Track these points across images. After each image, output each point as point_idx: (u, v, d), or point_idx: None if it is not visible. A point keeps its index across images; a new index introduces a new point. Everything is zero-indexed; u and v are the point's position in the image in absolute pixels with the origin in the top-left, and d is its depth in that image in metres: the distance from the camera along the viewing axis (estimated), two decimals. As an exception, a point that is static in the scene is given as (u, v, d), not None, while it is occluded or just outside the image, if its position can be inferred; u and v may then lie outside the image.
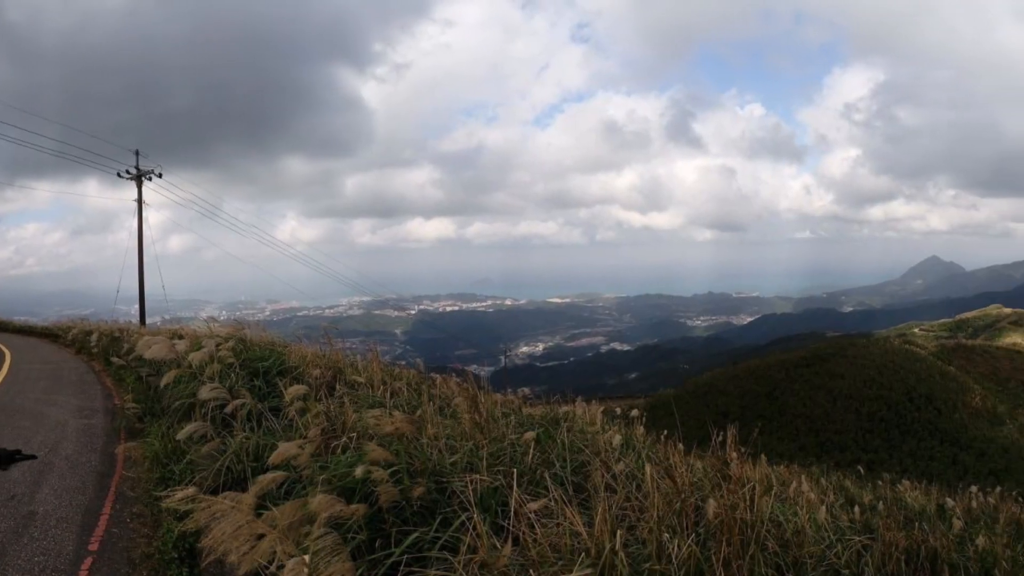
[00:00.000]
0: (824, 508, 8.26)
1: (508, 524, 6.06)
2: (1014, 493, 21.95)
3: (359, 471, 6.51)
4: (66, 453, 12.59)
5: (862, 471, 24.77)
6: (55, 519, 9.24)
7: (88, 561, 7.95)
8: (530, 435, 8.07)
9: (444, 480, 6.95)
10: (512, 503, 6.09)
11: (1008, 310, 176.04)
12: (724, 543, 5.80)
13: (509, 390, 12.15)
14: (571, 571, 5.25)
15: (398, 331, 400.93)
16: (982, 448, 53.73)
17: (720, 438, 7.53)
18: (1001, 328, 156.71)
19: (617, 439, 9.16)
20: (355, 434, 8.12)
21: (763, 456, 10.62)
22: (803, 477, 15.09)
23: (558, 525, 5.92)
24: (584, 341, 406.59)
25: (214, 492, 7.24)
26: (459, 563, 5.42)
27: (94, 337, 30.40)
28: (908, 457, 51.76)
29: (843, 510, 10.93)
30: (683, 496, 6.40)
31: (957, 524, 11.19)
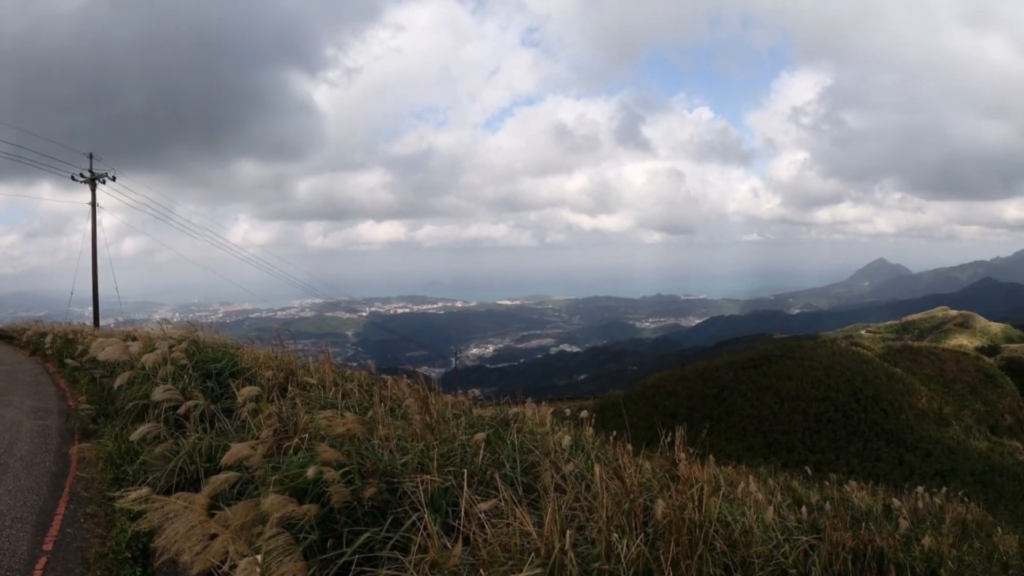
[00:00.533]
0: (772, 508, 8.33)
1: (458, 524, 6.07)
2: (960, 494, 22.19)
3: (311, 472, 6.55)
4: (20, 454, 12.52)
5: (809, 472, 24.94)
6: (10, 519, 9.21)
7: (43, 561, 7.94)
8: (480, 436, 8.11)
9: (395, 481, 6.97)
10: (462, 503, 6.12)
11: (954, 312, 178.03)
12: (672, 543, 5.87)
13: (459, 391, 12.22)
14: (521, 571, 5.30)
15: (349, 333, 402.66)
16: (928, 449, 54.17)
17: (668, 439, 7.59)
18: (947, 330, 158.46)
19: (566, 440, 9.21)
20: (307, 435, 8.13)
21: (711, 457, 10.69)
22: (751, 477, 15.19)
23: (508, 525, 5.96)
24: (534, 343, 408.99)
25: (167, 492, 7.27)
26: (410, 563, 5.46)
27: (48, 339, 30.23)
28: (855, 458, 52.09)
29: (790, 510, 11.00)
30: (632, 496, 6.45)
31: (903, 524, 11.30)
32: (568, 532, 5.54)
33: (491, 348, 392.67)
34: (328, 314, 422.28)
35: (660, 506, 6.11)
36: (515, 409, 11.16)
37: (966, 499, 21.00)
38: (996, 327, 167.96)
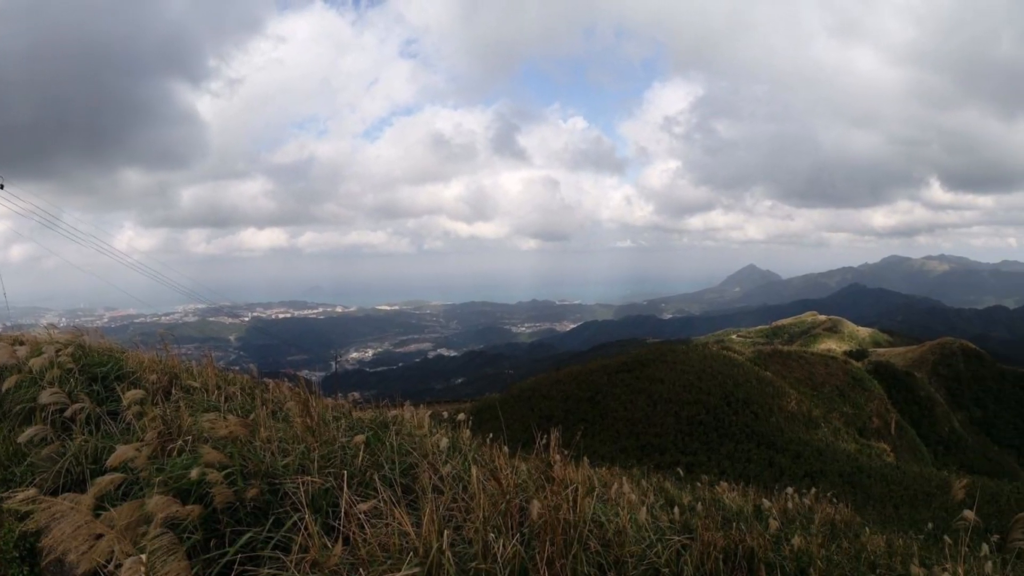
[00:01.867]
0: (645, 509, 8.40)
1: (339, 524, 6.15)
2: (829, 494, 22.51)
3: (194, 473, 6.56)
4: (-93, 458, 12.31)
5: (681, 473, 25.14)
6: None
7: (-69, 560, 7.87)
8: (360, 438, 8.16)
9: (277, 482, 6.99)
10: (343, 504, 6.20)
11: (822, 317, 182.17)
12: (548, 543, 6.00)
13: (339, 395, 12.20)
14: (399, 570, 5.39)
15: (232, 337, 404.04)
16: (798, 451, 54.98)
17: (544, 441, 7.75)
18: (816, 334, 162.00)
19: (444, 442, 9.28)
20: (191, 437, 8.10)
21: (585, 458, 10.84)
22: (624, 479, 15.33)
23: (387, 525, 6.04)
24: (412, 347, 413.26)
25: (54, 493, 7.24)
26: (291, 562, 5.54)
27: (-63, 344, 29.50)
28: (726, 459, 52.64)
29: (663, 511, 11.08)
30: (508, 497, 6.55)
31: (773, 524, 11.40)
32: (446, 532, 5.67)
33: (370, 352, 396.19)
34: (211, 319, 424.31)
35: (535, 507, 6.22)
36: (394, 412, 11.20)
37: (835, 500, 21.35)
38: (864, 332, 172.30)
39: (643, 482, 19.33)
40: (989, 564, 9.40)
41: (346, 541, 5.93)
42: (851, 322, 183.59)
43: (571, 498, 6.50)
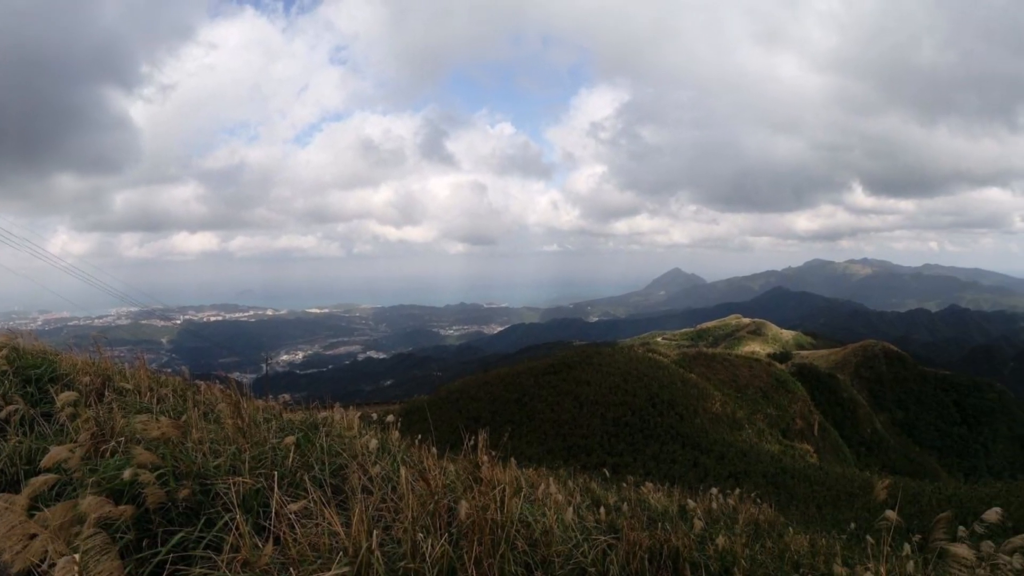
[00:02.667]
0: (571, 509, 8.45)
1: (270, 524, 6.22)
2: (753, 495, 22.67)
3: (127, 474, 6.57)
4: None
5: (607, 474, 25.21)
6: None
7: None
8: (290, 439, 8.20)
9: (208, 482, 7.01)
10: (273, 504, 6.26)
11: (746, 320, 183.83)
12: (476, 542, 6.09)
13: (270, 396, 12.21)
14: (329, 569, 5.46)
15: (164, 340, 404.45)
16: (722, 452, 55.21)
17: (472, 442, 7.85)
18: (740, 337, 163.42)
19: (373, 443, 9.33)
20: (124, 438, 8.07)
21: (512, 459, 10.92)
22: (551, 479, 15.42)
23: (317, 525, 6.10)
24: (342, 349, 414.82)
25: (-12, 494, 7.25)
26: (223, 562, 5.58)
27: None
28: (651, 460, 52.72)
29: (589, 511, 11.15)
30: (436, 497, 6.63)
31: (698, 524, 11.46)
32: (375, 532, 5.72)
33: (301, 355, 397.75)
34: (144, 322, 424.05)
35: (464, 507, 6.29)
36: (324, 413, 11.24)
37: (759, 500, 21.52)
38: (787, 334, 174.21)
39: (569, 483, 19.44)
40: (911, 564, 9.60)
41: (277, 541, 5.99)
42: (775, 325, 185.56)
43: (499, 498, 6.58)
